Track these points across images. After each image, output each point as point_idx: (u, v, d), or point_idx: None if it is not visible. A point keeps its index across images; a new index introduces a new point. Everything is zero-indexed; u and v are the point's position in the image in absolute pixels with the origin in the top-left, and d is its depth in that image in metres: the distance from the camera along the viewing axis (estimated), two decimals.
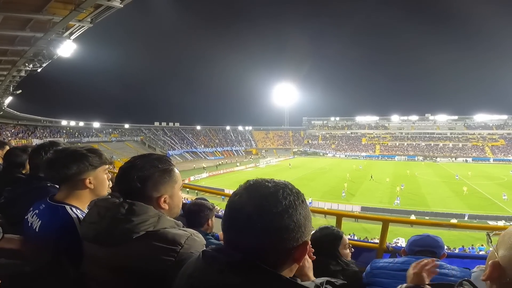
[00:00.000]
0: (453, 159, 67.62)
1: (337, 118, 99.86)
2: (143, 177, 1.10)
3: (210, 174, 43.93)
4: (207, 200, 2.49)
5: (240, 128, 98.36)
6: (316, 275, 1.08)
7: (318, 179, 37.99)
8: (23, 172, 2.49)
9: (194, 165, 52.43)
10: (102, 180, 1.47)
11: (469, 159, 66.19)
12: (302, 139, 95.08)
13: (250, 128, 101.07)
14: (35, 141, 39.78)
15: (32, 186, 1.81)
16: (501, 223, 16.46)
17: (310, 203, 24.82)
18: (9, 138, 36.10)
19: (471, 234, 17.64)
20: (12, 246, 1.35)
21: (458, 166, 53.81)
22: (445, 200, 27.43)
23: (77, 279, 1.11)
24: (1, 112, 30.21)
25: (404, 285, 1.22)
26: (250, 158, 71.28)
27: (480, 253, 13.16)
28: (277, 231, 0.67)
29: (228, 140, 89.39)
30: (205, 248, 1.05)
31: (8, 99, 22.85)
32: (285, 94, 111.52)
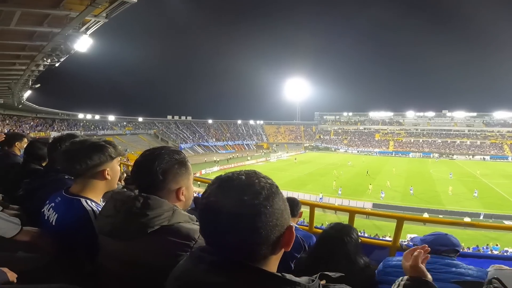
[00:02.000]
0: (471, 156, 65.66)
1: (350, 113, 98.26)
2: (165, 169, 1.10)
3: (221, 168, 44.24)
4: None
5: (251, 122, 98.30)
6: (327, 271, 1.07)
7: (328, 174, 37.64)
8: (43, 164, 2.52)
9: (205, 159, 52.93)
10: (117, 172, 1.49)
11: (487, 157, 64.02)
12: (313, 134, 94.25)
13: (262, 122, 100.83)
14: (53, 134, 41.00)
15: (49, 178, 1.83)
16: None
17: (320, 198, 24.65)
18: (28, 131, 37.41)
19: (485, 233, 17.27)
20: (30, 239, 1.37)
21: (475, 164, 52.30)
22: (459, 198, 26.74)
23: (92, 273, 1.12)
24: (20, 106, 31.27)
25: (405, 277, 1.18)
26: (262, 152, 71.33)
27: (494, 253, 12.81)
28: (264, 224, 0.65)
29: (239, 134, 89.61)
30: None
31: (27, 93, 23.60)
32: (297, 88, 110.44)
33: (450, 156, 67.46)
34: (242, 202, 0.65)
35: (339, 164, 48.31)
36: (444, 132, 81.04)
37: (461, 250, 1.88)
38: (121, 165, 6.27)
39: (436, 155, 68.52)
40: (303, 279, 0.67)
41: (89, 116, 58.85)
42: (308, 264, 1.81)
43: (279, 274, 0.66)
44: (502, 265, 1.56)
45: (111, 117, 65.12)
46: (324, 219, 15.90)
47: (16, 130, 32.53)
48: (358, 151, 77.13)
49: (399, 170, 43.53)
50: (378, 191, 27.96)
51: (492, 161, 60.66)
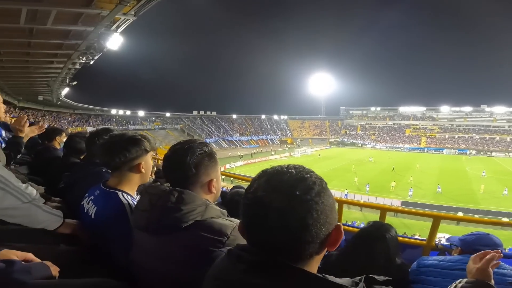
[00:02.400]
0: (511, 154, 60.67)
1: (378, 108, 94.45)
2: (196, 163, 1.11)
3: (245, 162, 44.61)
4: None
5: (275, 117, 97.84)
6: (362, 272, 0.99)
7: (363, 171, 36.48)
8: (81, 158, 2.60)
9: (229, 153, 53.58)
10: (150, 165, 1.52)
11: None
12: (339, 129, 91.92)
13: (286, 117, 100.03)
14: (89, 129, 43.46)
15: (88, 171, 1.86)
16: None
17: (345, 195, 24.06)
18: (66, 126, 39.91)
19: None
20: (71, 232, 1.40)
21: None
22: (494, 197, 24.90)
23: (126, 267, 1.13)
24: (59, 102, 33.47)
25: (465, 279, 1.14)
26: (286, 147, 70.95)
27: None
28: (315, 221, 0.61)
29: (263, 129, 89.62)
30: None
31: (65, 90, 25.20)
32: (321, 83, 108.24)
33: (489, 153, 63.00)
34: (294, 197, 0.61)
35: (365, 161, 46.79)
36: (482, 128, 75.43)
37: (504, 250, 1.77)
38: (151, 159, 6.47)
39: (474, 151, 64.32)
40: (344, 281, 0.63)
41: (121, 112, 61.86)
42: (341, 262, 1.78)
43: (324, 276, 0.61)
44: None
45: (141, 113, 67.79)
46: (348, 217, 15.49)
47: (55, 125, 34.87)
48: (386, 147, 74.28)
49: (427, 166, 41.57)
50: (404, 189, 26.85)
51: None
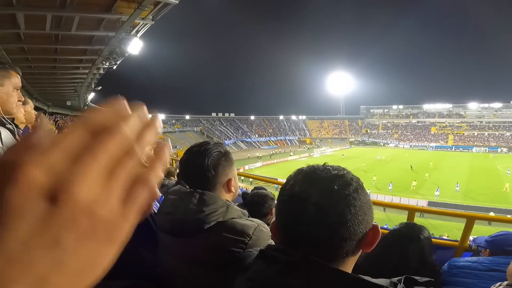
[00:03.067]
0: None
1: (400, 106, 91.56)
2: (215, 164, 1.12)
3: (264, 164, 44.61)
4: (266, 189, 2.50)
5: (293, 117, 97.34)
6: (395, 272, 0.92)
7: (375, 170, 35.46)
8: None
9: (248, 154, 53.81)
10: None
11: None
12: (360, 129, 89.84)
13: (304, 117, 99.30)
14: None
15: None
16: None
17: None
18: None
19: None
20: None
21: None
22: None
23: (151, 270, 1.15)
24: (86, 107, 35.09)
25: (505, 282, 1.10)
26: (305, 147, 70.23)
27: None
28: (353, 216, 0.60)
29: (282, 130, 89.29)
30: (269, 238, 1.05)
31: (91, 95, 26.38)
32: (340, 82, 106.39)
33: None
34: (332, 192, 0.61)
35: (379, 159, 45.29)
36: None
37: None
38: (173, 161, 6.54)
39: (505, 149, 60.59)
40: (382, 281, 0.61)
41: None
42: (370, 263, 1.72)
43: (360, 277, 0.59)
44: None
45: (162, 116, 69.70)
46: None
47: None
48: (410, 146, 71.67)
49: (447, 165, 40.21)
50: (427, 188, 25.87)
51: None
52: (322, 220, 0.60)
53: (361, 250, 0.65)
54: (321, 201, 0.60)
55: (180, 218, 1.04)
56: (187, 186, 1.15)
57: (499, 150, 60.57)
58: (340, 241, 0.61)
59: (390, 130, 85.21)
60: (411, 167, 36.21)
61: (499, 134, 70.05)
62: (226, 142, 66.23)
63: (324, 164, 0.69)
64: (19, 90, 1.54)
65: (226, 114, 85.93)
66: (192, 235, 1.02)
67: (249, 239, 0.98)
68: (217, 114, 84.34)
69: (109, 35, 9.61)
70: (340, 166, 0.68)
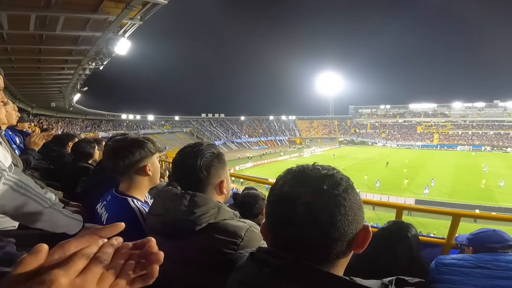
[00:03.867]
0: None
1: (388, 106, 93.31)
2: (207, 165, 1.11)
3: (254, 164, 44.62)
4: (257, 190, 2.49)
5: (283, 117, 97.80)
6: (385, 272, 0.93)
7: (365, 169, 36.08)
8: (89, 162, 2.65)
9: (238, 155, 53.76)
10: (157, 167, 1.50)
11: None
12: (348, 128, 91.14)
13: (294, 117, 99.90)
14: (101, 134, 44.49)
15: (105, 176, 1.86)
16: None
17: None
18: (79, 132, 40.84)
19: None
20: None
21: None
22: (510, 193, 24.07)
23: None
24: (71, 108, 34.27)
25: None
26: (294, 147, 70.64)
27: None
28: (343, 217, 0.60)
29: (272, 130, 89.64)
30: (261, 239, 1.03)
31: (76, 96, 25.77)
32: (329, 82, 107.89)
33: (504, 149, 61.34)
34: (322, 192, 0.60)
35: (375, 159, 46.09)
36: (496, 124, 73.63)
37: None
38: (162, 162, 6.48)
39: (488, 147, 62.76)
40: (373, 283, 0.61)
41: (131, 117, 63.02)
42: (361, 263, 1.72)
43: (351, 279, 0.59)
44: None
45: (150, 117, 68.88)
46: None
47: (68, 131, 35.75)
48: (398, 145, 73.25)
49: (424, 162, 41.56)
50: (416, 186, 26.51)
51: None
52: (312, 220, 0.59)
53: (352, 251, 0.64)
54: (311, 202, 0.60)
55: (171, 220, 1.02)
56: (179, 188, 1.14)
57: (482, 148, 62.64)
58: (331, 242, 0.60)
59: (378, 130, 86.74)
60: (387, 164, 38.42)
61: (482, 133, 72.38)
62: (216, 142, 65.93)
63: (313, 164, 0.69)
64: (1, 91, 1.50)
65: (216, 115, 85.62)
66: (184, 237, 1.01)
67: (241, 240, 0.97)
68: (207, 115, 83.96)
69: (96, 35, 9.40)
70: (329, 166, 0.67)
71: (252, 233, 1.02)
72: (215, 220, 1.01)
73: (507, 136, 68.03)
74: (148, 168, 1.42)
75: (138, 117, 65.08)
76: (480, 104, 79.27)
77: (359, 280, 0.59)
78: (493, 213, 17.74)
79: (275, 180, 0.69)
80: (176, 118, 75.66)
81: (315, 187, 0.61)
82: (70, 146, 3.43)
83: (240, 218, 1.11)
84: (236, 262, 0.80)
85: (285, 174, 0.68)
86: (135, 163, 1.39)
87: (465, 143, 68.67)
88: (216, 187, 1.14)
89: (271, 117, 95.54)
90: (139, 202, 1.37)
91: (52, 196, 1.29)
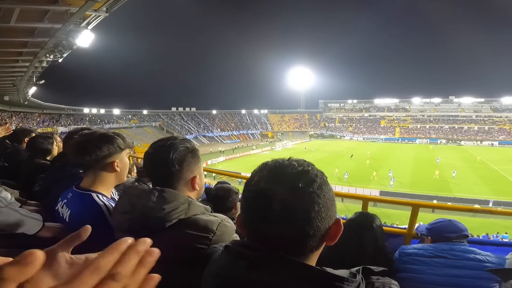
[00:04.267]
0: (479, 142, 64.80)
1: (355, 101, 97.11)
2: (180, 159, 1.08)
3: (227, 158, 44.40)
4: (230, 184, 2.48)
5: (255, 111, 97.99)
6: (353, 262, 0.98)
7: (334, 162, 37.52)
8: (48, 158, 2.51)
9: (210, 149, 53.10)
10: (126, 164, 1.47)
11: (495, 143, 63.01)
12: (318, 122, 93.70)
13: (266, 111, 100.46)
14: (60, 129, 41.54)
15: (65, 173, 1.79)
16: None
17: None
18: (35, 127, 37.79)
19: (495, 221, 17.10)
20: (53, 235, 1.34)
21: (482, 150, 51.78)
22: (468, 185, 26.49)
23: None
24: (26, 102, 31.52)
25: None
26: (266, 141, 71.32)
27: (505, 240, 12.70)
28: (317, 213, 0.61)
29: (244, 124, 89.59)
30: (235, 234, 1.05)
31: (32, 89, 23.73)
32: (301, 77, 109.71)
33: (458, 142, 66.74)
34: (297, 189, 0.61)
35: (343, 152, 48.11)
36: (451, 118, 79.95)
37: (469, 235, 1.87)
38: (130, 158, 6.28)
39: (444, 141, 67.90)
40: (342, 273, 0.62)
41: (94, 111, 59.30)
42: (333, 254, 1.78)
43: (323, 269, 0.61)
44: None
45: (116, 111, 65.47)
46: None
47: (23, 126, 32.95)
48: (364, 138, 76.75)
49: (401, 155, 43.76)
50: (383, 177, 28.06)
51: (501, 146, 59.60)
52: (287, 217, 0.60)
53: (324, 243, 0.67)
54: (286, 199, 0.61)
55: (138, 217, 1.00)
56: (148, 184, 1.12)
57: (438, 141, 67.65)
58: (305, 238, 0.62)
59: (345, 124, 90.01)
60: (351, 156, 40.90)
61: (438, 126, 78.15)
62: (187, 137, 64.04)
63: (289, 158, 0.69)
64: None
65: (187, 109, 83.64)
66: (153, 234, 0.97)
67: (213, 234, 0.97)
68: (177, 109, 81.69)
69: (55, 27, 8.66)
70: (304, 161, 0.68)
71: (224, 227, 1.01)
72: (186, 216, 1.00)
73: (461, 130, 74.24)
74: (116, 164, 1.38)
75: (102, 111, 61.45)
76: (437, 100, 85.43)
77: (330, 270, 0.61)
78: (449, 203, 19.27)
79: (251, 174, 0.69)
80: (145, 112, 72.67)
81: (291, 184, 0.62)
82: (26, 142, 3.25)
83: (212, 212, 1.10)
84: (210, 256, 0.80)
85: (260, 169, 0.68)
86: (103, 159, 1.34)
87: (423, 136, 73.74)
88: (188, 183, 1.12)
89: (243, 111, 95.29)
90: (104, 198, 1.32)
91: (7, 195, 1.25)
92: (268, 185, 0.63)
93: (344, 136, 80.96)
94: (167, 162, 1.07)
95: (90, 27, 9.67)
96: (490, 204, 20.85)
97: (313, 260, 0.67)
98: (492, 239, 13.24)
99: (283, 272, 0.60)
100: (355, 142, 68.87)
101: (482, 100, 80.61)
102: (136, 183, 1.13)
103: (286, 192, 0.61)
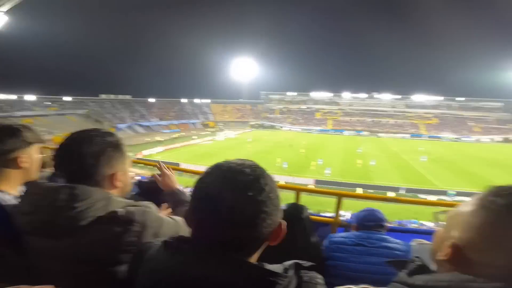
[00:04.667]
0: (394, 135, 73.47)
1: (294, 93, 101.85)
2: (96, 153, 0.99)
3: (166, 148, 42.35)
4: None
5: (196, 100, 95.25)
6: (285, 253, 0.97)
7: (275, 152, 38.96)
8: None
9: (147, 139, 49.92)
10: (36, 159, 1.34)
11: (407, 135, 72.21)
12: (259, 113, 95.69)
13: (208, 101, 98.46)
14: None
15: None
16: (433, 198, 17.65)
17: None
18: None
19: (405, 207, 18.22)
20: None
21: (396, 141, 59.34)
22: (384, 173, 30.06)
23: (25, 271, 0.97)
24: None
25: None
26: (208, 131, 70.06)
27: (413, 226, 14.50)
28: (263, 220, 0.65)
29: (185, 113, 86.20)
30: (159, 219, 1.02)
31: None
32: (243, 67, 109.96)
33: (377, 134, 74.52)
34: (246, 198, 0.64)
35: (284, 143, 50.36)
36: (373, 112, 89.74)
37: (387, 224, 1.99)
38: (47, 148, 5.45)
39: (367, 133, 75.66)
40: (276, 267, 0.66)
41: (1, 96, 49.86)
42: (272, 248, 1.81)
43: (263, 265, 0.65)
44: (423, 240, 1.60)
45: (31, 97, 56.37)
46: None
47: None
48: (301, 129, 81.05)
49: (332, 145, 47.84)
50: (319, 167, 30.29)
51: (412, 139, 68.44)
52: (234, 223, 0.63)
53: (267, 243, 0.71)
54: (235, 206, 0.63)
55: (41, 219, 0.91)
56: (57, 181, 1.01)
57: (362, 133, 75.45)
58: (249, 241, 0.66)
59: (285, 115, 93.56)
60: (290, 145, 43.65)
61: (363, 120, 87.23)
62: (120, 126, 59.37)
63: (241, 163, 0.70)
64: None
65: (120, 96, 76.61)
66: (68, 234, 0.90)
67: (137, 224, 0.92)
68: (108, 96, 74.07)
69: None
70: (256, 165, 0.70)
71: (146, 214, 0.97)
72: (106, 212, 0.93)
73: (380, 123, 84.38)
74: (21, 160, 1.25)
75: (13, 96, 52.28)
76: (363, 95, 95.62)
77: (266, 266, 0.65)
78: (370, 191, 21.61)
79: (203, 174, 0.71)
80: (68, 98, 64.25)
81: (240, 192, 0.64)
82: None
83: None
84: (146, 252, 0.79)
85: (212, 171, 0.70)
86: (4, 154, 1.22)
87: (351, 128, 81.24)
88: (107, 179, 1.02)
89: (183, 100, 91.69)
90: (6, 196, 1.20)
91: None
92: (217, 190, 0.65)
93: (283, 127, 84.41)
94: (79, 156, 0.97)
95: (2, 9, 8.02)
96: (404, 191, 23.55)
97: (253, 258, 0.70)
98: (408, 226, 15.10)
99: (220, 268, 0.62)
100: (293, 133, 72.26)
101: (399, 97, 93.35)
102: (42, 181, 1.05)
103: (235, 199, 0.63)
